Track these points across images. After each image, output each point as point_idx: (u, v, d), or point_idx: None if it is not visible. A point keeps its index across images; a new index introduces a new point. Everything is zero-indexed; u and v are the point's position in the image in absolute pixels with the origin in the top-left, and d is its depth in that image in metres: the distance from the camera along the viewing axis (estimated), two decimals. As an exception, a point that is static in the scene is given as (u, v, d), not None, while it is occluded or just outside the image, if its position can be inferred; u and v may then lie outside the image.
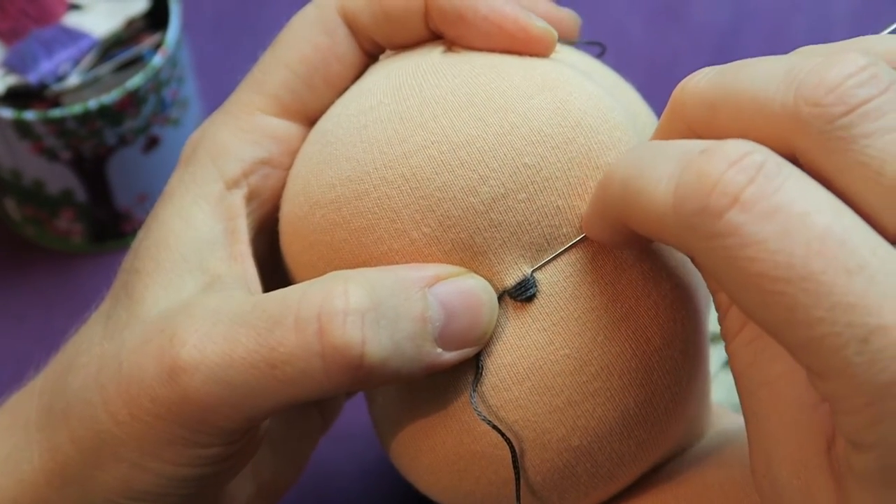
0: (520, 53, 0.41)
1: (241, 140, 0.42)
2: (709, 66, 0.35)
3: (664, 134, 0.36)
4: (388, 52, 0.44)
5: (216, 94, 0.68)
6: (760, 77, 0.33)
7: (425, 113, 0.39)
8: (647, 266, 0.39)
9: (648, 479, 0.42)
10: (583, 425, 0.39)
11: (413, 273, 0.38)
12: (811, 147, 0.31)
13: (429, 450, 0.41)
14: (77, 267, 0.64)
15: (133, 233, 0.64)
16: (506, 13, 0.41)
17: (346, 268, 0.39)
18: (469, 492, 0.41)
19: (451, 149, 0.38)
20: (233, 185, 0.42)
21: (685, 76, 0.35)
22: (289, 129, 0.42)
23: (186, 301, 0.39)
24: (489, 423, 0.38)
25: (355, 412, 0.53)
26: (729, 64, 0.34)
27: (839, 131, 0.31)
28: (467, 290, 0.38)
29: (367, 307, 0.37)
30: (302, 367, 0.36)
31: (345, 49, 0.43)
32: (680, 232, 0.31)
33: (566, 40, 0.44)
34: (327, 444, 0.56)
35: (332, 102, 0.43)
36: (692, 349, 0.40)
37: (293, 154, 0.43)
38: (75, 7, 0.60)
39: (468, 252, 0.39)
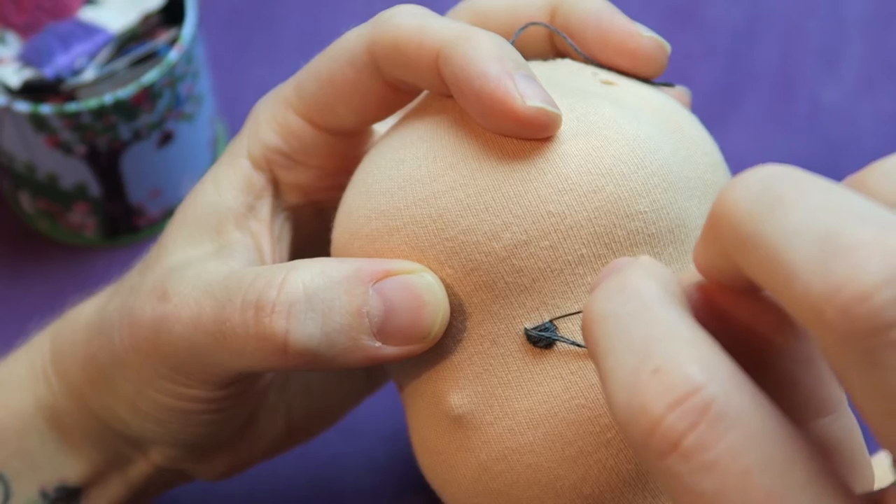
0: (518, 137, 0.38)
1: (273, 129, 0.44)
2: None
3: (703, 246, 0.32)
4: None
5: (231, 90, 0.68)
6: (797, 248, 0.27)
7: (457, 153, 0.39)
8: None
9: None
10: (595, 475, 0.38)
11: (366, 266, 0.39)
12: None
13: (462, 463, 0.40)
14: (90, 261, 0.64)
15: (146, 227, 0.64)
16: (495, 96, 0.38)
17: None
18: None
19: (477, 192, 0.38)
20: (256, 165, 0.44)
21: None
22: (313, 135, 0.44)
23: (191, 260, 0.43)
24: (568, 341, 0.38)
25: (368, 408, 0.53)
26: (786, 184, 0.29)
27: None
28: (410, 286, 0.39)
29: (297, 299, 0.39)
30: (242, 344, 0.40)
31: (367, 87, 0.42)
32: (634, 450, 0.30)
33: (640, 79, 0.42)
34: (339, 439, 0.56)
35: (357, 125, 0.44)
36: None
37: (313, 156, 0.44)
38: (91, 2, 0.60)
39: (490, 294, 0.39)
